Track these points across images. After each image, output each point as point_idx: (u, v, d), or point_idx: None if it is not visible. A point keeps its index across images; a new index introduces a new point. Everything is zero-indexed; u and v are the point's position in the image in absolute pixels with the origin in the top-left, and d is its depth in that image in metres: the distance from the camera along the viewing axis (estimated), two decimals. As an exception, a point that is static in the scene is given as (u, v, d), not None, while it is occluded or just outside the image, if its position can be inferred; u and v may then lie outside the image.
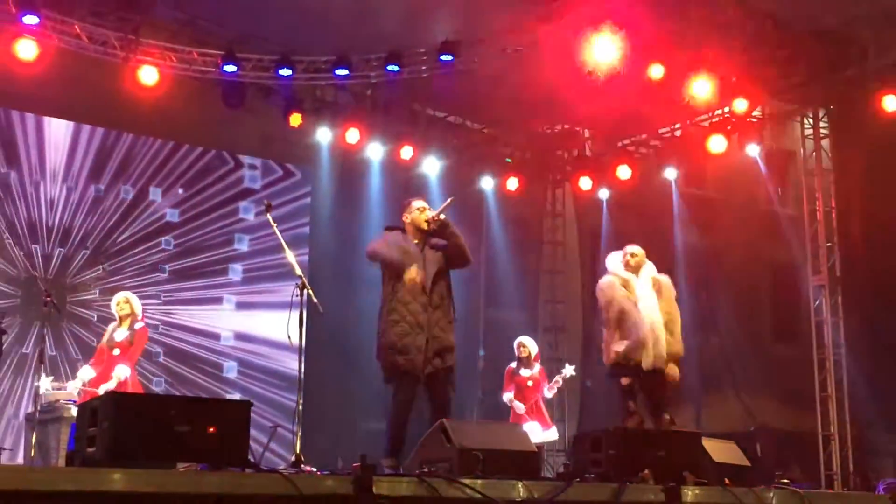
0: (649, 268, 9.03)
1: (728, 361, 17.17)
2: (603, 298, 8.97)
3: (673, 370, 8.72)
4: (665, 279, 9.07)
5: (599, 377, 10.99)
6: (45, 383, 9.53)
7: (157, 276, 14.71)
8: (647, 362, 8.56)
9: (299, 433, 7.04)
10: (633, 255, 9.01)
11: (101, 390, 8.89)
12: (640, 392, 8.68)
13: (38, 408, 9.48)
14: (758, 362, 17.18)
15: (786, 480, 7.92)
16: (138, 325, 9.83)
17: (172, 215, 15.07)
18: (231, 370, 15.29)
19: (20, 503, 4.32)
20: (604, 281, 9.09)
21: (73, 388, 9.56)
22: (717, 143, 14.71)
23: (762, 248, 18.46)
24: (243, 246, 15.53)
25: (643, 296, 8.83)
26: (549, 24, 12.53)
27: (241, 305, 15.49)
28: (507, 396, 11.74)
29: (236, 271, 15.51)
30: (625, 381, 8.64)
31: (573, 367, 12.29)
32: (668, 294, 8.97)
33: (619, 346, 8.65)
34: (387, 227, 8.00)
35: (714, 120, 15.26)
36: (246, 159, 15.85)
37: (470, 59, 13.26)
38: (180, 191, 15.20)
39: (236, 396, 14.71)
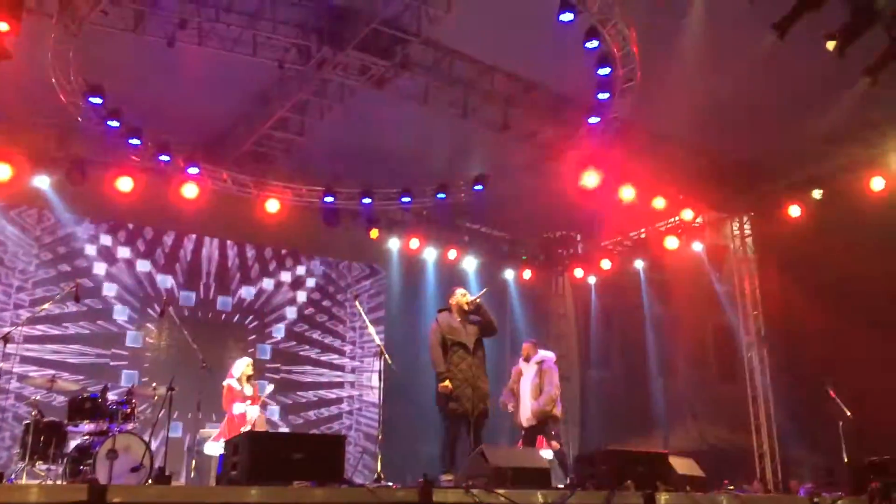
0: (538, 356, 9.53)
1: (686, 397, 16.76)
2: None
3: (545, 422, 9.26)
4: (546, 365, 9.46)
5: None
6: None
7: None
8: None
9: (380, 457, 6.98)
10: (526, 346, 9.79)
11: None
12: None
13: (197, 442, 9.48)
14: (708, 398, 16.75)
15: (731, 487, 7.71)
16: (254, 382, 9.70)
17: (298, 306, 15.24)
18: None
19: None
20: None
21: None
22: (671, 242, 14.68)
23: (708, 316, 18.12)
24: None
25: (526, 376, 9.36)
26: (553, 161, 12.65)
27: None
28: None
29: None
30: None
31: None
32: (549, 376, 9.37)
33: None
34: (439, 310, 8.00)
35: (668, 225, 15.23)
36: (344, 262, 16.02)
37: (496, 187, 13.38)
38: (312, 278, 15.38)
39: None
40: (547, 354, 9.94)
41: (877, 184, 11.94)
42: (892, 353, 10.77)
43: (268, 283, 14.93)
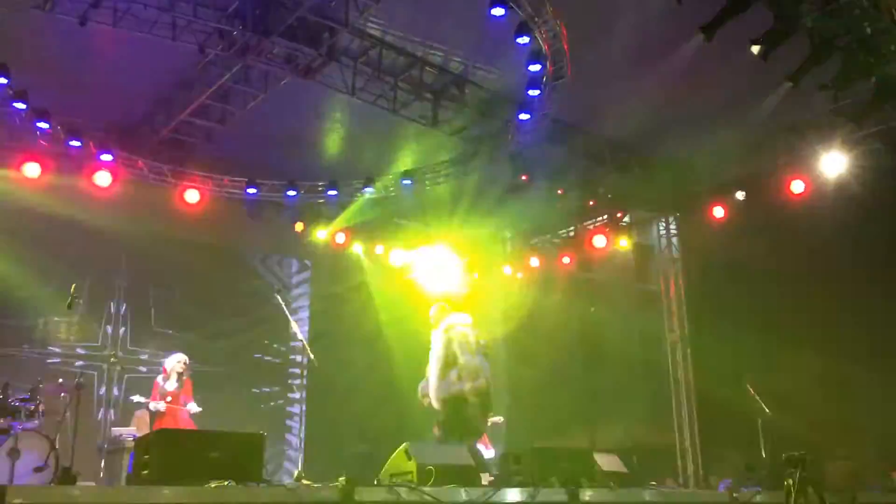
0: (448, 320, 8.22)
1: (613, 394, 17.09)
2: None
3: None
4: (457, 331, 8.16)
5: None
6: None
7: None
8: None
9: (301, 456, 6.93)
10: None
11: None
12: None
13: (107, 440, 9.24)
14: (633, 396, 17.08)
15: (654, 483, 7.91)
16: (185, 377, 9.51)
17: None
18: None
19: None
20: None
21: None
22: (599, 241, 14.93)
23: (634, 314, 18.50)
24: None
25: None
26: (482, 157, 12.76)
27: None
28: None
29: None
30: None
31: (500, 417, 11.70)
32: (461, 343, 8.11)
33: None
34: None
35: (596, 224, 15.49)
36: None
37: (422, 182, 13.40)
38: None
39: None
40: (459, 317, 8.28)
41: (797, 186, 12.41)
42: (810, 352, 11.22)
43: (186, 279, 14.46)
